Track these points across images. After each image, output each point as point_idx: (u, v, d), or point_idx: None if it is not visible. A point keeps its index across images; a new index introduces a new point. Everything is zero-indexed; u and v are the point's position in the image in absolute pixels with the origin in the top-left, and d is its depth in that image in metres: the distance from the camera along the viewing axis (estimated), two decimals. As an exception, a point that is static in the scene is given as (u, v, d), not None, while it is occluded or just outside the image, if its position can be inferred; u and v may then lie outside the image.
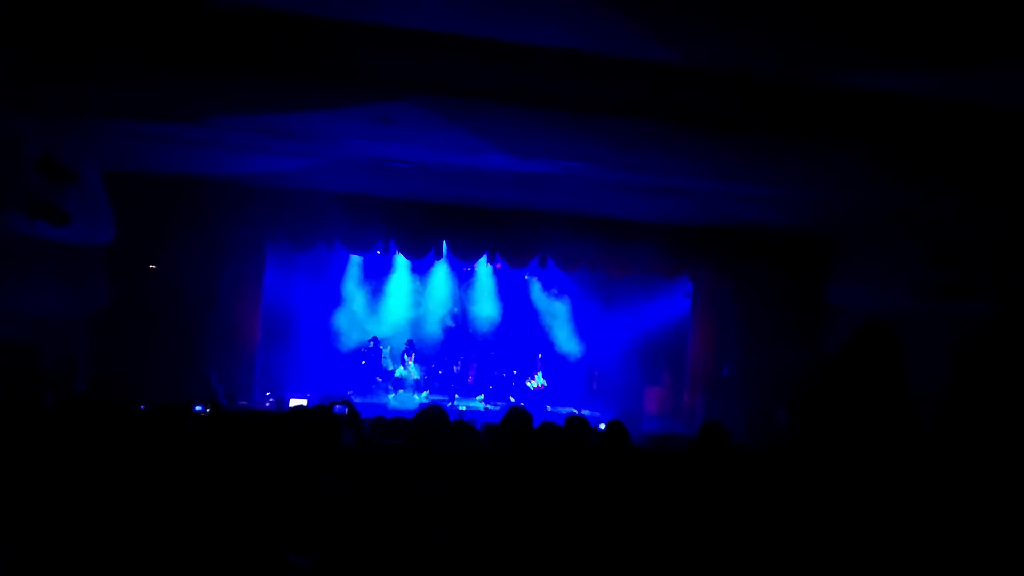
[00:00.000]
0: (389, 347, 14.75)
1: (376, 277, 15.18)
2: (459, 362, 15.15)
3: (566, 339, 15.46)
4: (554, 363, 15.13)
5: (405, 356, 14.55)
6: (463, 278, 15.68)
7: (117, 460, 2.98)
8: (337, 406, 4.92)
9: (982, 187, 8.08)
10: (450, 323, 15.69)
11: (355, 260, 14.80)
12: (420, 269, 15.26)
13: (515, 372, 14.88)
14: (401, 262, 14.95)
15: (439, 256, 13.73)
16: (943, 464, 2.47)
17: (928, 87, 6.68)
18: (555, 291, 15.63)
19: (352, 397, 12.10)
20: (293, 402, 11.48)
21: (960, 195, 8.28)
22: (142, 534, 2.52)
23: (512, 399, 14.30)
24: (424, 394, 14.23)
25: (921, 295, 9.31)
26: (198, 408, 6.05)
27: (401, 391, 14.18)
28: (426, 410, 4.49)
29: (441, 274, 15.49)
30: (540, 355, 14.85)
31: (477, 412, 13.14)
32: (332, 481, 3.41)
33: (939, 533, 2.38)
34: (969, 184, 8.10)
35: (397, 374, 14.42)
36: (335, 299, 14.68)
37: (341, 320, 14.67)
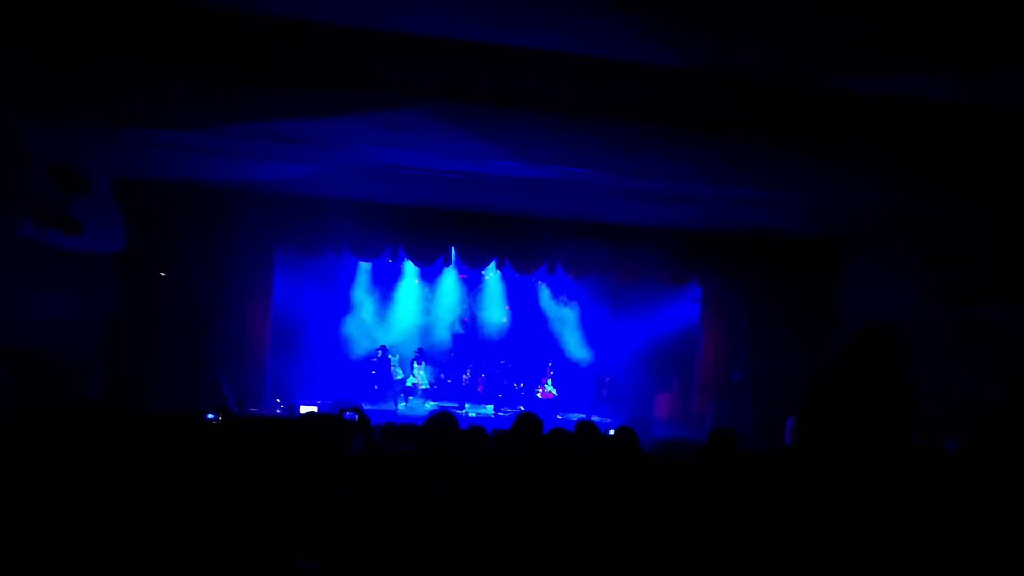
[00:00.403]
0: (398, 355, 14.76)
1: (385, 284, 15.20)
2: (468, 372, 15.15)
3: (576, 345, 15.43)
4: (564, 369, 15.10)
5: (415, 364, 14.56)
6: (472, 284, 15.68)
7: (127, 465, 2.99)
8: (348, 412, 4.93)
9: (983, 188, 8.03)
10: (459, 329, 15.69)
11: (364, 267, 14.83)
12: (429, 276, 15.28)
13: (521, 386, 14.85)
14: (410, 269, 14.96)
15: (448, 263, 13.73)
16: (976, 473, 2.44)
17: (928, 88, 6.66)
18: (564, 297, 15.61)
19: (362, 404, 12.09)
20: (304, 409, 11.50)
21: (961, 196, 8.23)
22: (151, 538, 2.53)
23: (522, 408, 14.27)
24: (432, 404, 14.22)
25: (932, 299, 9.26)
26: (210, 416, 6.09)
27: (412, 398, 14.18)
28: (436, 416, 4.49)
29: (450, 280, 15.51)
30: (550, 364, 14.83)
31: (487, 419, 13.12)
32: (342, 487, 3.41)
33: (953, 539, 2.35)
34: (970, 185, 8.05)
35: (408, 383, 14.43)
36: (344, 306, 14.72)
37: (351, 327, 14.70)
